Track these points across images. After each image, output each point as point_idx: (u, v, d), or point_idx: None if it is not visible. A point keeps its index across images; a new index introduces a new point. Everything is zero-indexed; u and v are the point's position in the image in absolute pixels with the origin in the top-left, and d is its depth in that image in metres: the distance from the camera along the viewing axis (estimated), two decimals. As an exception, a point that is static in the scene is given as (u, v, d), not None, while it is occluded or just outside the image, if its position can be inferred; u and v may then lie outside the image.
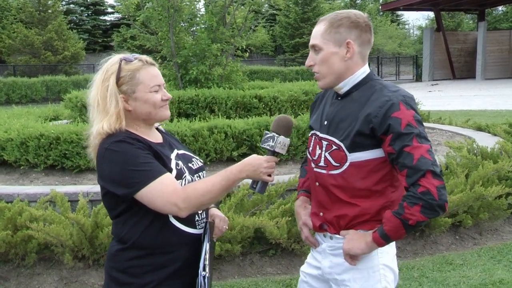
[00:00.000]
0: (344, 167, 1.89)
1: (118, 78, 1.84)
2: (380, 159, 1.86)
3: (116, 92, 1.83)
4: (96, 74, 1.90)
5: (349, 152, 1.87)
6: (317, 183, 2.02)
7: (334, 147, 1.91)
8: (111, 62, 1.89)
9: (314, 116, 2.12)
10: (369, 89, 1.89)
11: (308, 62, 1.96)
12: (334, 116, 1.95)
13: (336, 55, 1.89)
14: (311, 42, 1.94)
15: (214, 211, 2.08)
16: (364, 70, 1.94)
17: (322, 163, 1.96)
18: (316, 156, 1.99)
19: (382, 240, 1.82)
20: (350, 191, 1.90)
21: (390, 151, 1.80)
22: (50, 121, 8.05)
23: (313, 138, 2.05)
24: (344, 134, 1.88)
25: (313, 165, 2.03)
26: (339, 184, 1.91)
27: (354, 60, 1.91)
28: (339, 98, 1.98)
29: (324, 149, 1.95)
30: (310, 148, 2.06)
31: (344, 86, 1.94)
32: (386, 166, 1.87)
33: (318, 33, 1.91)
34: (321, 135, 1.98)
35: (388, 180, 1.89)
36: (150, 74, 1.87)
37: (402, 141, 1.76)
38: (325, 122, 1.98)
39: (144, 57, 1.91)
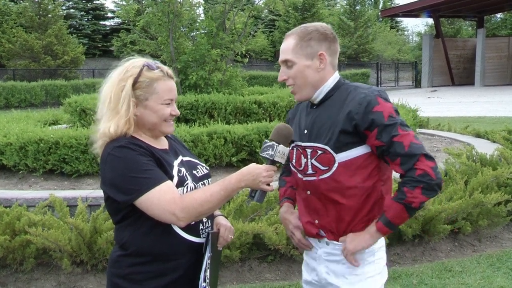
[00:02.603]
0: (333, 169, 1.93)
1: (135, 82, 1.83)
2: (366, 155, 1.92)
3: (130, 95, 1.82)
4: (114, 70, 1.89)
5: (336, 153, 1.91)
6: (308, 192, 2.04)
7: (320, 152, 1.95)
8: (133, 63, 1.88)
9: None
10: (344, 92, 1.97)
11: (281, 76, 2.02)
12: (313, 123, 2.00)
13: (310, 68, 1.96)
14: (282, 57, 1.99)
15: (220, 219, 2.04)
16: (335, 77, 2.01)
17: (310, 171, 1.99)
18: (302, 166, 2.02)
19: (387, 228, 1.89)
20: (342, 191, 1.94)
21: (378, 144, 1.86)
22: (49, 125, 8.05)
23: (294, 150, 2.07)
24: (328, 137, 1.93)
25: (300, 175, 2.05)
26: (331, 187, 1.95)
27: (326, 69, 1.98)
28: (314, 107, 2.04)
29: (309, 156, 1.99)
30: (294, 161, 2.08)
31: (318, 95, 2.01)
32: (373, 161, 1.93)
33: (288, 48, 1.97)
34: (303, 144, 2.02)
35: (376, 175, 1.95)
36: (167, 86, 1.87)
37: (389, 132, 1.83)
38: (305, 131, 2.03)
39: (166, 68, 1.91)
